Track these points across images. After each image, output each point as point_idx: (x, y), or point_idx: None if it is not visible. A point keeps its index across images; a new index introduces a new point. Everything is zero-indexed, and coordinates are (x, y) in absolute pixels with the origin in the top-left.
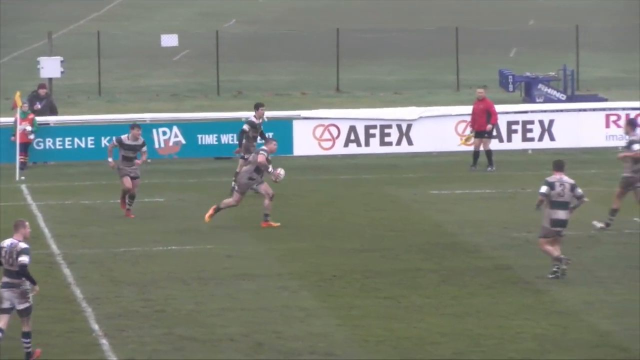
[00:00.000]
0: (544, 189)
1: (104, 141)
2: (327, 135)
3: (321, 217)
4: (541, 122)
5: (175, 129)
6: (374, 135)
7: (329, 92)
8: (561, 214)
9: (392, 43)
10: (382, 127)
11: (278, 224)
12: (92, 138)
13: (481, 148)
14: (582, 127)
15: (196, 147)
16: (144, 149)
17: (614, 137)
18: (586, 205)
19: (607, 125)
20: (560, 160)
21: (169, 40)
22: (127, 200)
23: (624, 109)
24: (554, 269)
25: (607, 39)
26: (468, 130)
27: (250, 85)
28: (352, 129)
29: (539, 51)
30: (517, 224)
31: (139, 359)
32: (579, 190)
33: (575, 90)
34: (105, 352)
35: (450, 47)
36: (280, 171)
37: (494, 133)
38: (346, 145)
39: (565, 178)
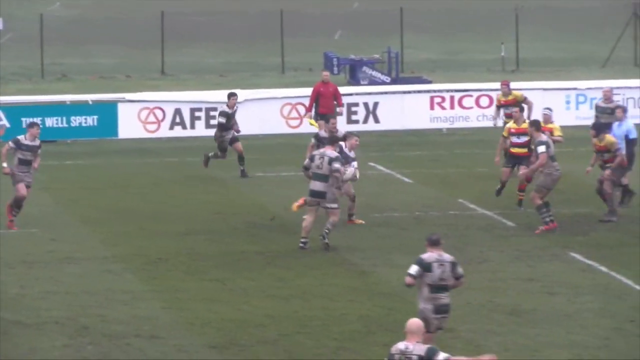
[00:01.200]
0: (305, 162)
1: None
2: (152, 118)
3: (146, 200)
4: (366, 105)
5: None
6: (199, 118)
7: (154, 75)
8: (318, 185)
9: (217, 26)
10: (208, 110)
11: (362, 221)
12: None
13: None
14: (407, 109)
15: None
16: (40, 151)
17: (438, 119)
18: (410, 186)
19: (432, 107)
20: (333, 136)
21: None
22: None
23: (448, 90)
24: (302, 241)
25: (431, 21)
26: (299, 113)
27: (74, 68)
28: (178, 111)
29: (363, 33)
30: (343, 206)
31: None
32: (335, 165)
33: (399, 73)
34: None
35: (275, 30)
36: (354, 171)
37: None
38: (172, 128)
39: (329, 152)
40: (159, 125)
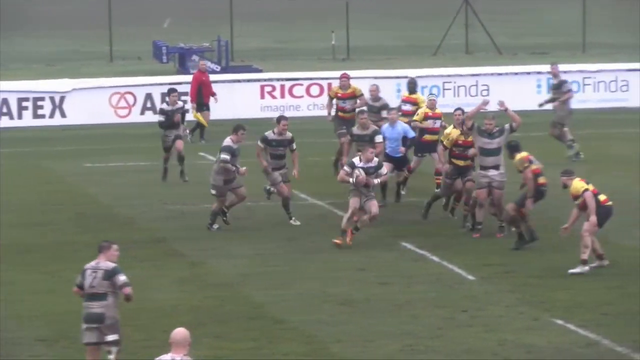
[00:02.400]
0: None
1: None
2: None
3: None
4: None
5: None
6: (26, 108)
7: None
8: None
9: (44, 14)
10: (35, 100)
11: (345, 241)
12: None
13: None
14: (237, 98)
15: None
16: None
17: (269, 108)
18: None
19: (262, 96)
20: (239, 125)
21: None
22: None
23: (278, 79)
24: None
25: (262, 9)
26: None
27: None
28: (5, 101)
29: (193, 22)
30: (172, 196)
31: None
32: (219, 155)
33: (229, 61)
34: None
35: (103, 17)
36: (359, 175)
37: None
38: None
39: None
40: None
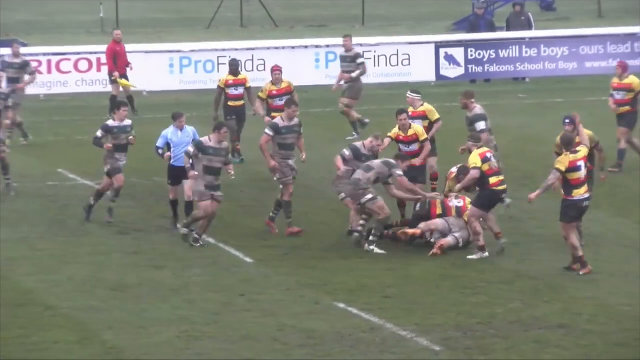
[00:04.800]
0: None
1: None
2: None
3: None
4: None
5: None
6: None
7: None
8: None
9: None
10: None
11: None
12: None
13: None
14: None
15: None
16: None
17: (34, 84)
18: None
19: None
20: (220, 123)
21: None
22: None
23: (44, 54)
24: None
25: None
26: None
27: None
28: None
29: None
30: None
31: None
32: None
33: None
34: None
35: None
36: None
37: None
38: None
39: None
40: None
